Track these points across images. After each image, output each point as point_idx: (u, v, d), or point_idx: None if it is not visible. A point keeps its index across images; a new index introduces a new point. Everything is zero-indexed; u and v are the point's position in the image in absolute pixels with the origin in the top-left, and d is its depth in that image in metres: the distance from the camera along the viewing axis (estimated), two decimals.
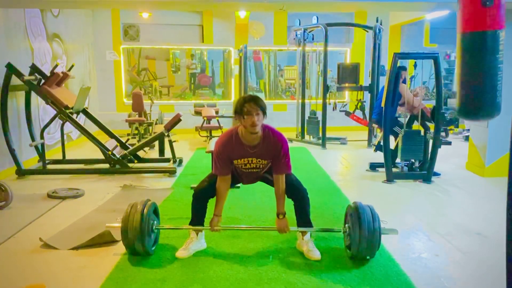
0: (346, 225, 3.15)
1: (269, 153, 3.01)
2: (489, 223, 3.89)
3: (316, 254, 3.10)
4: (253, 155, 3.01)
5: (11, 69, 5.35)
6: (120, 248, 3.26)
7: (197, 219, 3.23)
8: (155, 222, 3.19)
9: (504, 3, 2.33)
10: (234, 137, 2.99)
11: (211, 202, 3.24)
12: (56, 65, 6.07)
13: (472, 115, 2.56)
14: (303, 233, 3.20)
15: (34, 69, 5.69)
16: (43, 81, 5.66)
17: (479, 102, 2.45)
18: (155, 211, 3.26)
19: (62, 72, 5.94)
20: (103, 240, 3.36)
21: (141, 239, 2.99)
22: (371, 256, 3.05)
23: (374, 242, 2.94)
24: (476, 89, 2.44)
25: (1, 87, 5.36)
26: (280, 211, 3.09)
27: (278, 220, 3.10)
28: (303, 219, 3.21)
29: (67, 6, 5.88)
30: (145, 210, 3.05)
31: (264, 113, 2.89)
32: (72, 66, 6.46)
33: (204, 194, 3.19)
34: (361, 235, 2.91)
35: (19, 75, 5.40)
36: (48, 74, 5.75)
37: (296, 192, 3.15)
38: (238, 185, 4.91)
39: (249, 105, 2.83)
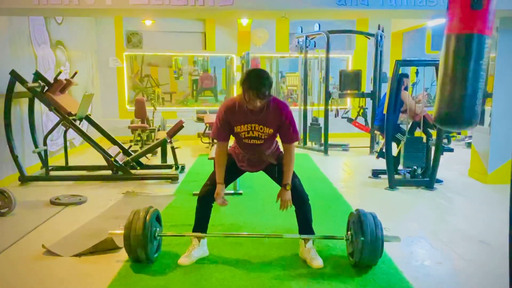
0: (349, 232, 3.14)
1: (273, 121, 2.95)
2: (492, 231, 3.88)
3: (318, 262, 3.09)
4: (255, 121, 2.94)
5: (15, 76, 5.38)
6: (122, 255, 3.26)
7: (201, 225, 3.23)
8: (158, 229, 3.19)
9: (494, 10, 2.29)
10: (237, 103, 2.95)
11: (215, 209, 3.25)
12: (60, 72, 6.10)
13: (450, 123, 2.43)
14: (305, 240, 3.20)
15: (37, 76, 5.73)
16: (46, 88, 5.69)
17: (456, 108, 2.33)
18: (158, 218, 3.26)
19: (66, 79, 5.98)
20: (105, 247, 3.36)
21: (143, 246, 2.99)
22: (374, 264, 3.04)
23: (377, 250, 2.93)
24: (455, 94, 2.33)
25: (5, 94, 5.39)
26: (287, 181, 3.05)
27: (284, 191, 3.05)
28: (305, 226, 3.21)
29: (70, 14, 5.92)
30: (147, 217, 3.05)
31: (269, 93, 2.81)
32: (76, 73, 6.50)
33: (208, 198, 3.17)
34: (364, 243, 2.90)
35: (23, 82, 5.43)
36: (52, 81, 5.79)
37: (298, 198, 3.13)
38: (240, 191, 4.96)
39: (252, 93, 2.76)
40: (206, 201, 3.19)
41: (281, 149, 3.18)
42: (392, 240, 3.06)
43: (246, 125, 2.97)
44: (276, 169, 3.18)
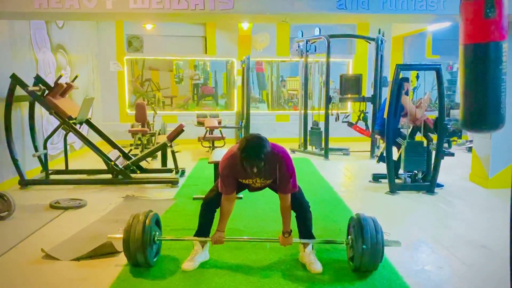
0: (349, 237, 3.13)
1: (273, 174, 3.00)
2: (493, 235, 3.86)
3: (317, 267, 3.08)
4: (256, 176, 3.01)
5: (15, 80, 5.39)
6: (121, 259, 3.25)
7: (204, 229, 3.23)
8: (157, 233, 3.18)
9: (507, 15, 2.33)
10: (237, 160, 2.92)
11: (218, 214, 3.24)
12: (60, 76, 6.11)
13: (476, 127, 2.53)
14: (305, 245, 3.19)
15: (38, 80, 5.74)
16: (47, 91, 5.70)
17: (483, 113, 2.42)
18: (157, 222, 3.26)
19: (66, 83, 5.98)
20: (104, 251, 3.35)
21: (142, 250, 2.98)
22: (374, 269, 3.03)
23: (377, 255, 2.92)
24: (479, 101, 2.42)
25: (5, 98, 5.40)
26: (286, 229, 3.09)
27: (283, 238, 3.10)
28: (305, 232, 3.21)
29: (71, 18, 5.94)
30: (147, 221, 3.04)
31: (265, 158, 2.81)
32: (76, 76, 6.51)
33: (213, 204, 3.18)
34: (364, 248, 2.89)
35: (24, 86, 5.44)
36: (52, 85, 5.79)
37: (298, 205, 3.15)
38: (240, 195, 4.94)
39: (249, 167, 2.81)
40: (211, 206, 3.20)
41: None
42: (392, 245, 3.05)
43: (248, 180, 3.08)
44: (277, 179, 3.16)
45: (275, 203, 4.19)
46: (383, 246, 2.94)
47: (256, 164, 2.79)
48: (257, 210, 4.54)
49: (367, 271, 3.02)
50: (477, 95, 2.39)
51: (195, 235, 3.25)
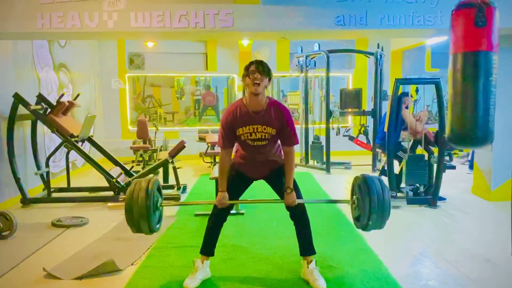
0: (354, 196, 3.08)
1: (274, 121, 2.97)
2: (497, 249, 3.83)
3: (321, 283, 3.05)
4: (257, 122, 2.97)
5: (18, 99, 5.44)
6: (124, 277, 3.24)
7: (209, 245, 3.21)
8: (159, 199, 3.10)
9: (498, 27, 2.31)
10: (239, 105, 3.01)
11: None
12: (62, 94, 6.16)
13: (463, 143, 2.44)
14: (308, 262, 3.16)
15: (40, 98, 5.79)
16: (49, 110, 5.74)
17: (471, 128, 2.34)
18: (159, 189, 3.15)
19: (68, 101, 6.03)
20: (107, 270, 3.34)
21: (146, 218, 2.89)
22: (381, 227, 2.96)
23: (385, 214, 2.86)
24: (468, 114, 2.33)
25: (8, 117, 5.44)
26: (288, 185, 3.04)
27: (286, 195, 3.04)
28: (306, 243, 3.18)
29: (73, 37, 6.02)
30: (150, 186, 2.94)
31: (269, 77, 2.93)
32: (78, 95, 6.57)
33: (220, 215, 3.16)
34: (372, 207, 2.83)
35: (26, 104, 5.48)
36: (54, 103, 5.84)
37: (300, 217, 3.12)
38: (242, 211, 4.93)
39: (254, 66, 2.90)
40: (218, 218, 3.17)
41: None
42: (398, 203, 3.00)
43: (248, 126, 2.99)
44: (278, 180, 3.16)
45: (277, 218, 4.19)
46: (389, 203, 2.88)
47: (260, 63, 2.90)
48: (259, 226, 4.52)
49: (375, 228, 2.96)
50: (465, 106, 2.32)
51: (200, 253, 3.23)
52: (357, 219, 3.05)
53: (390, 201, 2.89)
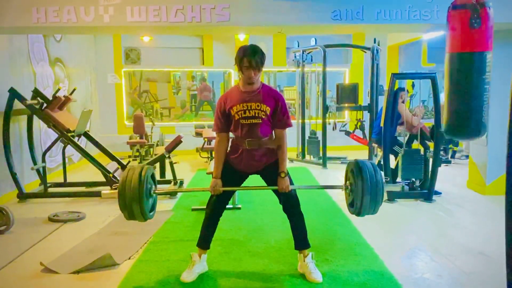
0: (348, 182, 3.10)
1: (268, 100, 2.98)
2: (492, 243, 3.87)
3: (317, 276, 3.08)
4: (251, 100, 2.96)
5: (13, 94, 5.42)
6: (121, 271, 3.25)
7: (206, 238, 3.21)
8: (153, 186, 3.09)
9: (492, 26, 2.37)
10: (234, 88, 3.08)
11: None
12: (58, 89, 6.14)
13: (458, 135, 2.58)
14: (304, 255, 3.18)
15: (36, 93, 5.76)
16: (45, 105, 5.72)
17: (465, 121, 2.46)
18: (153, 177, 3.14)
19: (64, 96, 6.01)
20: (104, 264, 3.35)
21: (138, 202, 2.88)
22: (375, 212, 2.97)
23: (378, 196, 2.87)
24: (463, 109, 2.45)
25: (4, 112, 5.42)
26: (282, 169, 3.04)
27: (280, 179, 3.03)
28: (301, 236, 3.19)
29: (69, 31, 5.99)
30: (143, 173, 2.93)
31: (262, 65, 2.93)
32: (74, 89, 6.54)
33: (217, 207, 3.15)
34: (364, 189, 2.84)
35: (22, 99, 5.46)
36: (50, 98, 5.82)
37: (293, 211, 3.12)
38: (239, 206, 4.95)
39: (247, 60, 2.88)
40: (214, 210, 3.16)
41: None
42: (392, 188, 3.02)
43: (241, 104, 2.97)
44: (272, 174, 3.12)
45: (274, 213, 4.21)
46: (382, 187, 2.89)
47: (253, 55, 2.87)
48: (256, 220, 4.54)
49: (369, 214, 2.97)
50: (461, 102, 2.43)
51: (197, 245, 3.23)
52: (351, 204, 3.06)
53: (383, 183, 2.89)
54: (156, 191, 3.12)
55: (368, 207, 2.90)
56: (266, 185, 3.20)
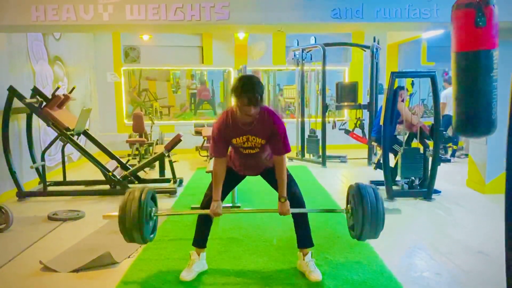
0: (349, 205, 3.10)
1: (264, 132, 2.93)
2: (491, 241, 3.87)
3: (317, 275, 3.07)
4: (248, 133, 2.94)
5: (13, 92, 5.41)
6: (120, 270, 3.25)
7: (202, 237, 3.21)
8: (153, 209, 3.09)
9: (497, 24, 2.37)
10: (229, 117, 2.94)
11: (213, 222, 3.24)
12: (58, 88, 6.13)
13: (469, 133, 2.60)
14: (304, 254, 3.18)
15: (35, 91, 5.76)
16: (44, 103, 5.71)
17: (475, 119, 2.48)
18: (153, 198, 3.16)
19: (63, 95, 6.00)
20: (103, 263, 3.35)
21: (139, 228, 2.89)
22: (375, 237, 2.97)
23: (378, 221, 2.88)
24: (472, 107, 2.47)
25: (3, 110, 5.41)
26: (282, 194, 3.01)
27: (280, 204, 3.02)
28: (304, 235, 3.19)
29: (68, 30, 5.98)
30: (142, 197, 2.94)
31: (262, 100, 2.82)
32: (73, 88, 6.53)
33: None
34: (364, 217, 2.85)
35: (21, 98, 5.45)
36: (50, 97, 5.81)
37: (296, 205, 3.11)
38: (238, 204, 4.95)
39: (246, 99, 2.75)
40: (207, 216, 3.15)
41: None
42: (393, 212, 3.04)
43: (241, 137, 2.97)
44: (273, 175, 3.13)
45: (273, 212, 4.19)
46: (383, 213, 2.89)
47: (253, 95, 2.73)
48: (255, 219, 4.54)
49: (369, 238, 2.98)
50: (469, 101, 2.44)
51: (193, 245, 3.24)
52: (351, 228, 3.07)
53: (384, 212, 2.90)
54: (156, 214, 3.14)
55: (368, 234, 2.93)
56: (266, 181, 3.23)
